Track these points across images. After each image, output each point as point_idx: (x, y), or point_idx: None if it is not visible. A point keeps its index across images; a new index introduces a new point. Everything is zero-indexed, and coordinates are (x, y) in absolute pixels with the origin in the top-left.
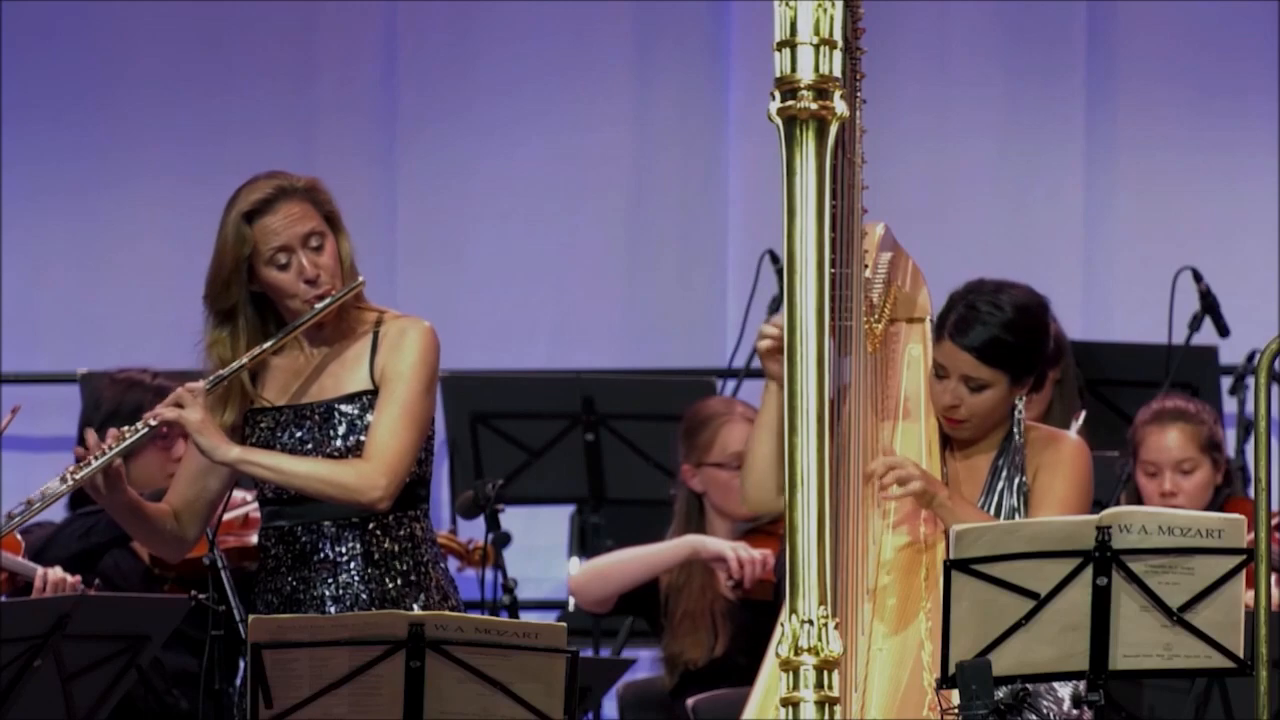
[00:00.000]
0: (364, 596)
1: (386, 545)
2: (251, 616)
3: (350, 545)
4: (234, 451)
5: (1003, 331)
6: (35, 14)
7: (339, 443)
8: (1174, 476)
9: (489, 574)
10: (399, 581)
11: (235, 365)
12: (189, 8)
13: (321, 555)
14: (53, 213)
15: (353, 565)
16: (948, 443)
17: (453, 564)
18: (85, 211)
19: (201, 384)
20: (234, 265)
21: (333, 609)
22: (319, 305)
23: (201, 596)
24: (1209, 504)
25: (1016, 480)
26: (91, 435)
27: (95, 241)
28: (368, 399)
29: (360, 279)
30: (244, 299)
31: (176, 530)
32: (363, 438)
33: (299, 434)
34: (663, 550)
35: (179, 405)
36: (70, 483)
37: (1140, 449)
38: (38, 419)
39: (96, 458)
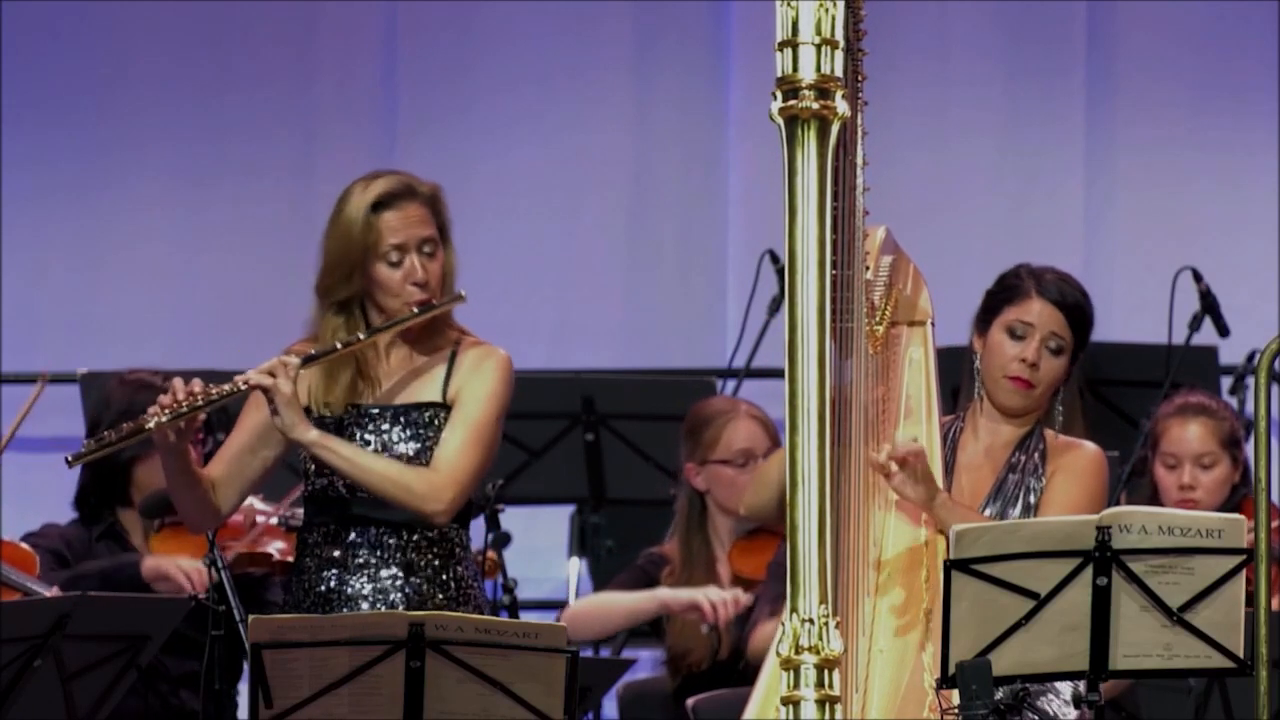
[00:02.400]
0: (400, 606)
1: (428, 556)
2: (251, 616)
3: (393, 552)
4: (312, 433)
5: (1084, 300)
6: (35, 14)
7: (401, 447)
8: (1193, 470)
9: None
10: (434, 590)
11: (328, 348)
12: (189, 8)
13: (363, 558)
14: (53, 213)
15: (393, 572)
16: (955, 447)
17: None
18: (85, 211)
19: (296, 359)
20: (361, 253)
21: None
22: (418, 310)
23: (201, 596)
24: (1226, 501)
25: (1028, 484)
26: (178, 382)
27: (95, 241)
28: (435, 411)
29: (462, 294)
30: (361, 289)
31: (213, 501)
32: (422, 445)
33: (362, 433)
34: (634, 602)
35: (272, 375)
36: (153, 425)
37: (1161, 441)
38: (38, 419)
39: (184, 406)
